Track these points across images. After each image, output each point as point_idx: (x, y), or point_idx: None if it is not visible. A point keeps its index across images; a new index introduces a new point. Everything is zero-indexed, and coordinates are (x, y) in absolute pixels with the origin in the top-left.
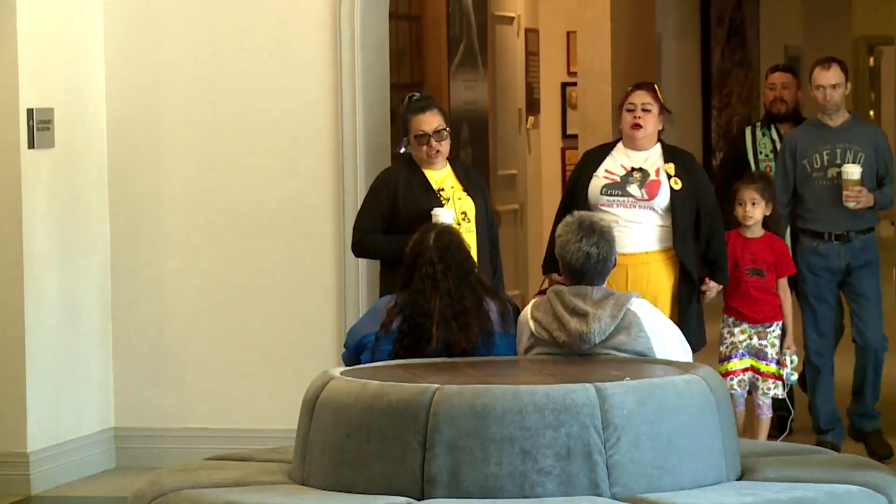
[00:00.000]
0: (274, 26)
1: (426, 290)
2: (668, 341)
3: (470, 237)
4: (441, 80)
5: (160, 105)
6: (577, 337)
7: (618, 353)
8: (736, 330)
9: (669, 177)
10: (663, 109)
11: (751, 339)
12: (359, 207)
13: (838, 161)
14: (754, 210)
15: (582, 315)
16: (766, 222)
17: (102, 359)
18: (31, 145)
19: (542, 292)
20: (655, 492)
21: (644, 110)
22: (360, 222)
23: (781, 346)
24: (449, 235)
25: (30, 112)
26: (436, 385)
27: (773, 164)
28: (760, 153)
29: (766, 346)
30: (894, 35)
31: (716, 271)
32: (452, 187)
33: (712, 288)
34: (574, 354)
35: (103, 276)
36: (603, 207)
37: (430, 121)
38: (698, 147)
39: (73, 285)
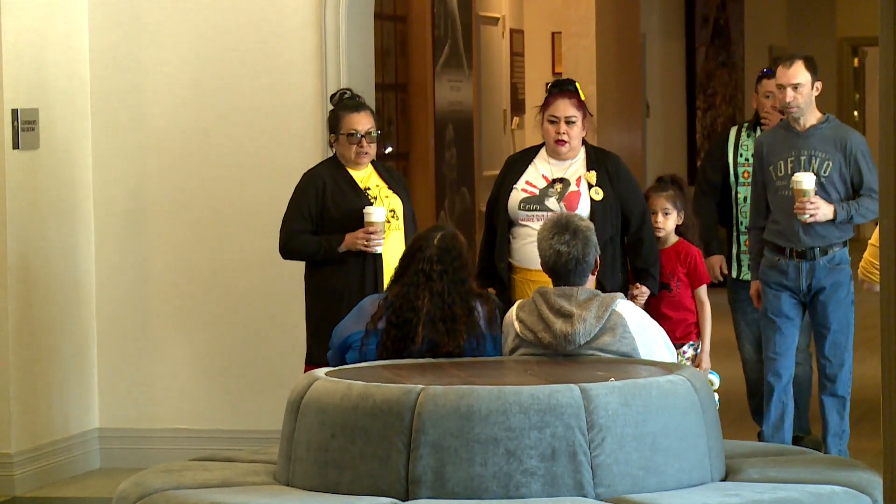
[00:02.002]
0: (259, 26)
1: (418, 286)
2: (653, 342)
3: (398, 235)
4: (426, 81)
5: (145, 106)
6: (562, 338)
7: (603, 354)
8: None
9: (590, 186)
10: (587, 114)
11: None
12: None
13: (801, 169)
14: (665, 221)
15: (567, 316)
16: (680, 230)
17: (87, 359)
18: (15, 146)
19: None
20: (640, 492)
21: (568, 123)
22: (288, 224)
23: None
24: (453, 240)
25: (14, 112)
26: (420, 386)
27: (751, 170)
28: (741, 156)
29: None
30: (878, 36)
31: (646, 278)
32: (378, 186)
33: (642, 293)
34: (559, 355)
35: (88, 277)
36: (522, 223)
37: (363, 121)
38: (682, 147)
39: (57, 286)
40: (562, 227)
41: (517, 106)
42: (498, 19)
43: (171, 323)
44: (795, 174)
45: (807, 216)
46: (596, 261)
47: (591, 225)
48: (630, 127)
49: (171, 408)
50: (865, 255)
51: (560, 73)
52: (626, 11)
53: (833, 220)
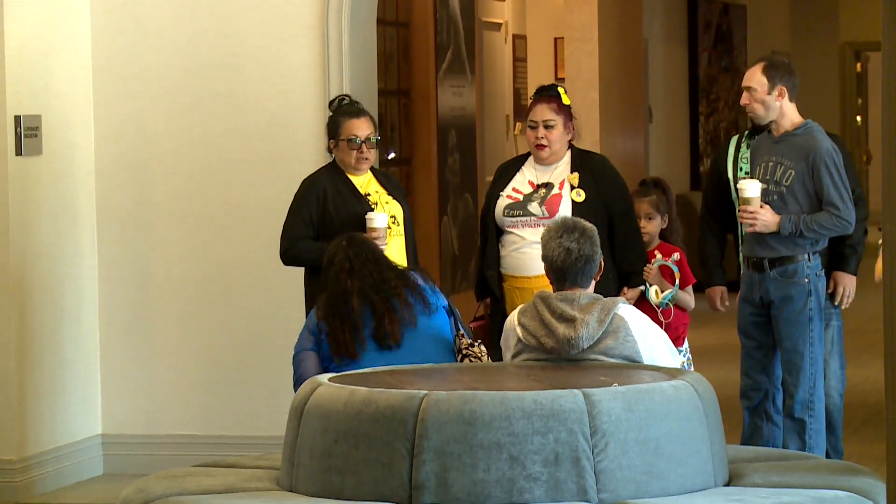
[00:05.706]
0: (261, 32)
1: (342, 280)
2: (656, 346)
3: (399, 240)
4: (428, 86)
5: (147, 111)
6: (565, 342)
7: (605, 359)
8: None
9: (573, 188)
10: (570, 117)
11: None
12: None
13: (768, 176)
14: (649, 225)
15: (569, 320)
16: (663, 234)
17: (90, 365)
18: (18, 152)
19: (477, 319)
20: (643, 497)
21: (547, 127)
22: (289, 230)
23: None
24: (361, 239)
25: (17, 119)
26: (424, 391)
27: None
28: (741, 169)
29: None
30: (881, 40)
31: (633, 279)
32: (377, 192)
33: (631, 298)
34: (562, 360)
35: (91, 283)
36: (508, 229)
37: (364, 127)
38: (685, 152)
39: (60, 292)
40: (569, 228)
41: (520, 111)
42: (500, 25)
43: (174, 329)
44: (740, 181)
45: (747, 225)
46: (600, 264)
47: (595, 229)
48: (633, 132)
49: (174, 414)
50: None
51: (562, 79)
52: (628, 17)
53: (778, 233)
